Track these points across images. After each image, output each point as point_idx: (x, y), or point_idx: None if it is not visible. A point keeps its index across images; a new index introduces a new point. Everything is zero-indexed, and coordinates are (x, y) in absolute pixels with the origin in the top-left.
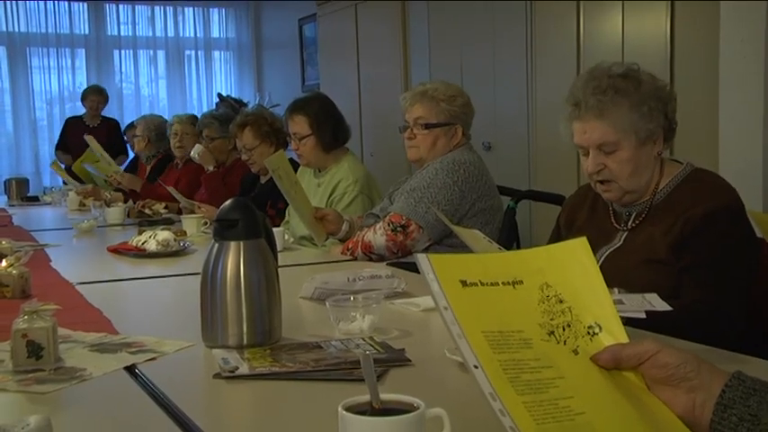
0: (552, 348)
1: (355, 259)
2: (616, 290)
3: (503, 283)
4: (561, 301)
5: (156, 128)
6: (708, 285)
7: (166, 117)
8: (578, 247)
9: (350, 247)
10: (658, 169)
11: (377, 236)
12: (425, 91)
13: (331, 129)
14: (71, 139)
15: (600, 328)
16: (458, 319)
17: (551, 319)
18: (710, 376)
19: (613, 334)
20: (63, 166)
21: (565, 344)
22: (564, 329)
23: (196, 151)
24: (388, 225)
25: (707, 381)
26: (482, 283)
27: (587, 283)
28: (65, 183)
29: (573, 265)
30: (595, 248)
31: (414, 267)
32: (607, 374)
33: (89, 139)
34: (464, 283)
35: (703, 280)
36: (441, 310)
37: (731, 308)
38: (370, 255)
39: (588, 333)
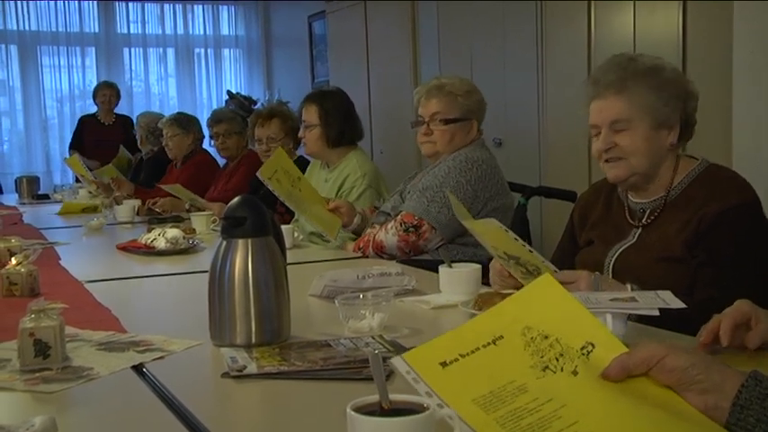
0: (550, 381)
1: (366, 257)
2: (629, 286)
3: (483, 345)
4: (546, 337)
5: (147, 126)
6: (724, 283)
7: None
8: (544, 283)
9: (361, 246)
10: (673, 164)
11: (388, 235)
12: (442, 85)
13: (338, 126)
14: (87, 138)
15: (593, 346)
16: (445, 401)
17: (542, 357)
18: (721, 376)
19: (608, 347)
20: (82, 162)
21: (562, 370)
22: (557, 360)
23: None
24: (401, 225)
25: (718, 382)
26: (462, 356)
27: (565, 311)
28: (77, 180)
29: (545, 301)
30: (610, 245)
31: (424, 264)
32: (614, 385)
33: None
34: (444, 365)
35: (719, 277)
36: (424, 396)
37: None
38: (382, 254)
39: (583, 354)
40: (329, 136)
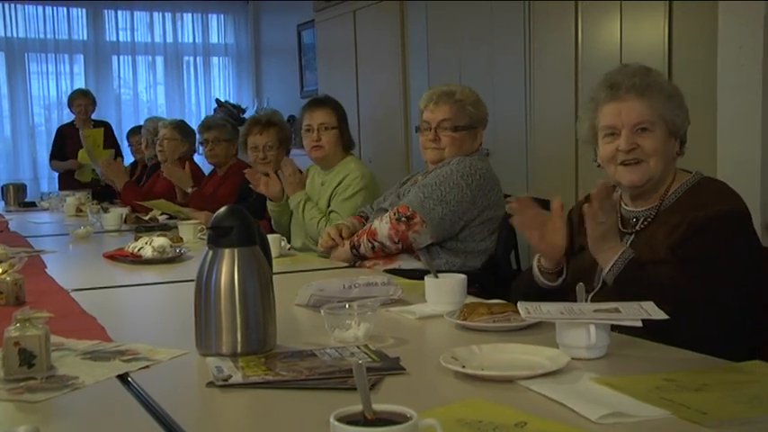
0: None
1: (356, 259)
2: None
3: None
4: (480, 421)
5: (154, 130)
6: (698, 279)
7: None
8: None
9: (356, 239)
10: (672, 175)
11: (382, 223)
12: (452, 92)
13: (348, 130)
14: (70, 149)
15: (525, 423)
16: None
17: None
18: None
19: (540, 423)
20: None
21: None
22: (494, 430)
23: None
24: (394, 214)
25: None
26: None
27: (496, 410)
28: (62, 188)
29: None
30: None
31: (410, 274)
32: None
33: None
34: None
35: (695, 274)
36: None
37: (720, 304)
38: (373, 242)
39: (517, 427)
40: (344, 139)
